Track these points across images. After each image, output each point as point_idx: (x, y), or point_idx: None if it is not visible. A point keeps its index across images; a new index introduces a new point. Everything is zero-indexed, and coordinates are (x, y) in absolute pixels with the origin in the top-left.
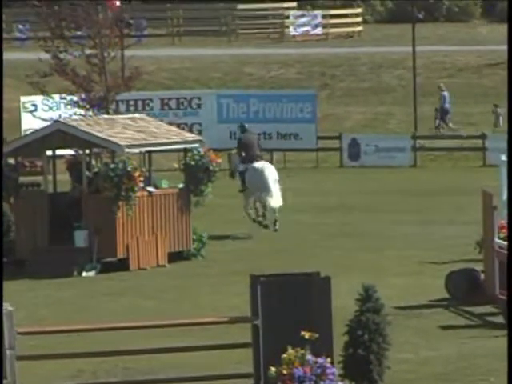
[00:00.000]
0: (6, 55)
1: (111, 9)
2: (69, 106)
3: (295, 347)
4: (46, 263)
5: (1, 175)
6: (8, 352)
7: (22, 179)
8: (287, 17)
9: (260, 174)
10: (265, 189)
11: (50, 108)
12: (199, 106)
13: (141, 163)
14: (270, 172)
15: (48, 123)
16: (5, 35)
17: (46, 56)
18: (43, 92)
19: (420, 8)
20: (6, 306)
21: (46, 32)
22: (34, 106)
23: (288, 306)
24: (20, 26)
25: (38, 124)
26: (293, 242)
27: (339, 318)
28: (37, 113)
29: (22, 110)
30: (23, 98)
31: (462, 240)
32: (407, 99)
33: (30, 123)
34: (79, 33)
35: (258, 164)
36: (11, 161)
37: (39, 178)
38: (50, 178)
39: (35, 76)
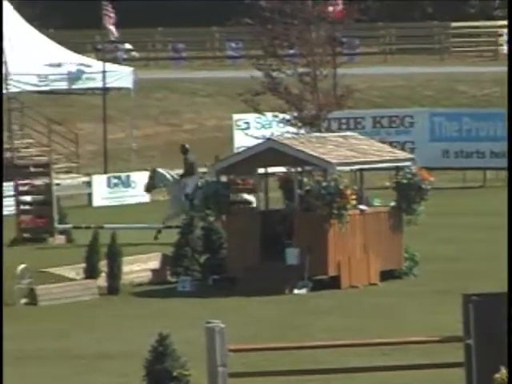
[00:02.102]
0: (219, 73)
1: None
2: (281, 124)
3: (508, 367)
4: (258, 281)
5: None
6: (220, 369)
7: (233, 197)
8: (501, 35)
9: None
10: None
11: (263, 126)
12: (411, 124)
13: (352, 181)
14: None
15: (260, 141)
16: (217, 53)
17: (258, 74)
18: (256, 110)
19: None
20: (218, 323)
21: (259, 50)
22: (247, 123)
23: (501, 324)
24: (232, 45)
25: (251, 142)
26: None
27: None
28: (249, 131)
29: (234, 127)
30: (236, 116)
31: None
32: None
33: (242, 141)
34: (292, 51)
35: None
36: (224, 178)
37: (250, 196)
38: (262, 195)
39: (247, 94)
